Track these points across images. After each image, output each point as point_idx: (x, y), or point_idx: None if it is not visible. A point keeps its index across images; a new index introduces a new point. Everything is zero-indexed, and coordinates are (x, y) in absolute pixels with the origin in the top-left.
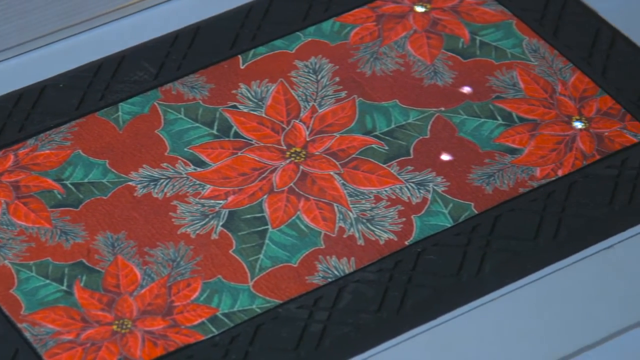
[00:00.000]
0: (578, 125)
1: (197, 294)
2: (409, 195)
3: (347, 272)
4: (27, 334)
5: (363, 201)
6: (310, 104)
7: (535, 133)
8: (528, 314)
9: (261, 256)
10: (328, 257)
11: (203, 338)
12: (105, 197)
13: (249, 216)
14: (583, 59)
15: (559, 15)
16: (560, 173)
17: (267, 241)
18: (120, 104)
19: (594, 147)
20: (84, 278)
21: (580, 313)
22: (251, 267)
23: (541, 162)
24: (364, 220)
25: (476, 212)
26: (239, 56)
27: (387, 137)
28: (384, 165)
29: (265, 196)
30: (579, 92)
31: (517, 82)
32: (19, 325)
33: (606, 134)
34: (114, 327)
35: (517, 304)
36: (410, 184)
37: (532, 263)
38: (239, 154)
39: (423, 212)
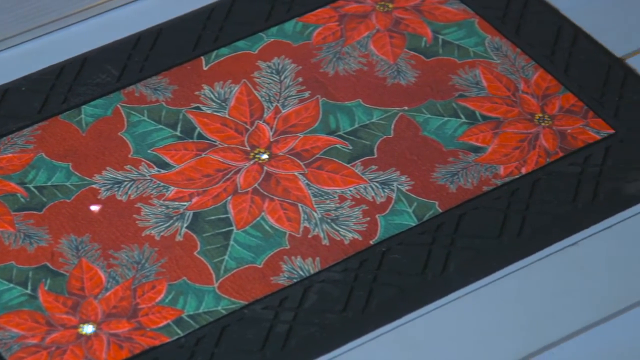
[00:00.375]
0: (541, 123)
1: (162, 296)
2: (373, 194)
3: (312, 272)
4: None
5: (327, 201)
6: (274, 104)
7: (498, 131)
8: (493, 312)
9: (226, 257)
10: (293, 257)
11: (168, 340)
12: (68, 200)
13: (213, 217)
14: (545, 56)
15: (521, 13)
16: (524, 171)
17: (231, 242)
18: (83, 106)
19: (557, 145)
20: (48, 281)
21: (545, 310)
22: (216, 269)
23: (505, 160)
24: (329, 220)
25: (440, 210)
26: (202, 57)
27: (351, 137)
28: (348, 165)
29: (229, 197)
30: (541, 90)
31: (480, 80)
32: None
33: (569, 131)
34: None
35: (481, 302)
36: (375, 183)
37: (496, 261)
38: (203, 155)
39: (387, 211)
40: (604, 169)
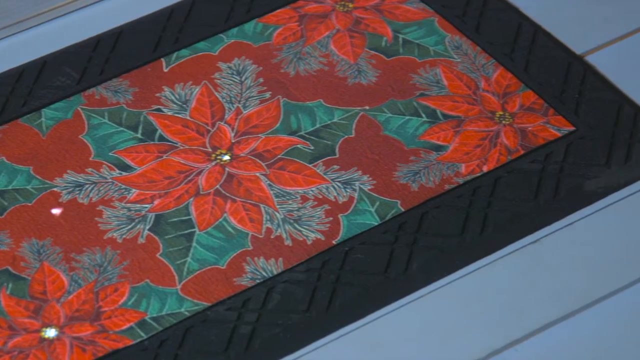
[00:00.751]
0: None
1: (124, 298)
2: (335, 194)
3: (275, 272)
4: None
5: (290, 201)
6: (235, 105)
7: (459, 129)
8: (456, 310)
9: (189, 259)
10: (256, 258)
11: (132, 343)
12: (29, 204)
13: (175, 219)
14: (505, 55)
15: (481, 11)
16: (485, 169)
17: (194, 244)
18: (44, 109)
19: (518, 142)
20: (10, 286)
21: (508, 307)
22: (179, 271)
23: (466, 159)
24: (291, 221)
25: (403, 209)
26: (162, 59)
27: (312, 137)
28: (310, 165)
29: (191, 199)
30: (502, 88)
31: (441, 79)
32: None
33: (530, 128)
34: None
35: (445, 300)
36: (337, 183)
37: (459, 259)
38: (164, 157)
39: (350, 211)
40: (564, 166)
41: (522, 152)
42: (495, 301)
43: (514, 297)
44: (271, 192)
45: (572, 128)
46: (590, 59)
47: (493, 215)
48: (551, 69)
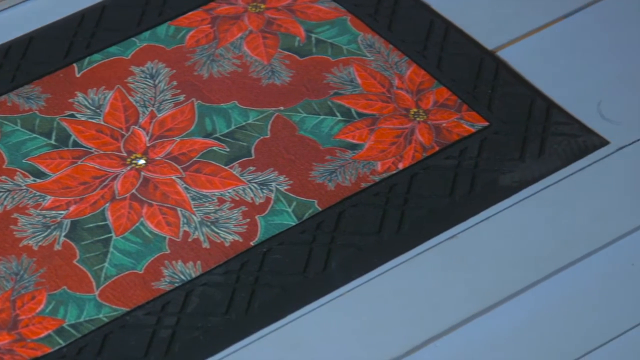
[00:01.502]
0: (417, 118)
1: (42, 306)
2: (252, 195)
3: (193, 276)
4: None
5: (207, 204)
6: (149, 109)
7: (374, 127)
8: (375, 308)
9: (106, 264)
10: (174, 261)
11: (50, 350)
12: None
13: (92, 225)
14: (418, 52)
15: (393, 9)
16: (401, 166)
17: (111, 249)
18: None
19: (433, 139)
20: None
21: (427, 303)
22: (96, 276)
23: (382, 156)
24: (209, 223)
25: (320, 209)
26: (74, 65)
27: (227, 139)
28: (226, 167)
29: (107, 204)
30: (415, 85)
31: (355, 77)
32: None
33: (444, 125)
34: None
35: (364, 298)
36: (253, 184)
37: (377, 257)
38: (79, 163)
39: (267, 211)
40: (479, 162)
41: (437, 148)
42: (413, 298)
43: (432, 293)
44: (188, 195)
45: (486, 123)
46: (502, 54)
47: (410, 212)
48: (463, 65)
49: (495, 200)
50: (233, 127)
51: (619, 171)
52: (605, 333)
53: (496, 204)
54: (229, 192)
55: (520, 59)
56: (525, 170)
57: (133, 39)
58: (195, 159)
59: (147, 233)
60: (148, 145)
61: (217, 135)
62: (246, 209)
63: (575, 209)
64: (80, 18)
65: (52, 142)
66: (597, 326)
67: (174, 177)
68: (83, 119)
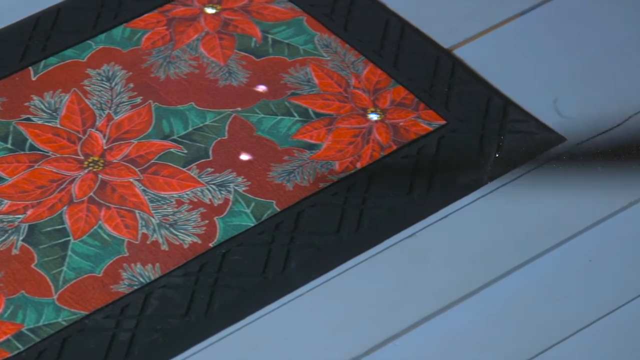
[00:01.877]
0: (373, 117)
1: (0, 311)
2: (210, 197)
3: (152, 278)
4: None
5: (165, 206)
6: (106, 112)
7: (332, 127)
8: (335, 308)
9: (64, 268)
10: (133, 264)
11: (9, 355)
12: None
13: (49, 229)
14: (374, 51)
15: (349, 9)
16: (359, 165)
17: (69, 253)
18: None
19: (390, 138)
20: None
21: (387, 302)
22: (55, 280)
23: (340, 156)
24: (167, 225)
25: (278, 209)
26: (30, 68)
27: (185, 141)
28: (184, 169)
29: (65, 207)
30: (372, 85)
31: (312, 78)
32: None
33: (401, 124)
34: None
35: (323, 298)
36: (211, 186)
37: (336, 257)
38: (36, 166)
39: (225, 213)
40: (437, 160)
41: (394, 147)
42: (373, 297)
43: (391, 292)
44: (146, 197)
45: (443, 122)
46: (458, 52)
47: (368, 211)
48: (420, 63)
49: (453, 198)
50: (190, 129)
51: (575, 168)
52: (562, 330)
53: (454, 202)
54: (187, 194)
55: (476, 57)
56: (483, 168)
57: (89, 41)
58: (152, 161)
59: (105, 236)
60: (105, 148)
61: (175, 137)
62: (204, 210)
63: (532, 206)
64: (36, 21)
65: (9, 146)
66: (555, 323)
67: (131, 180)
68: (39, 122)
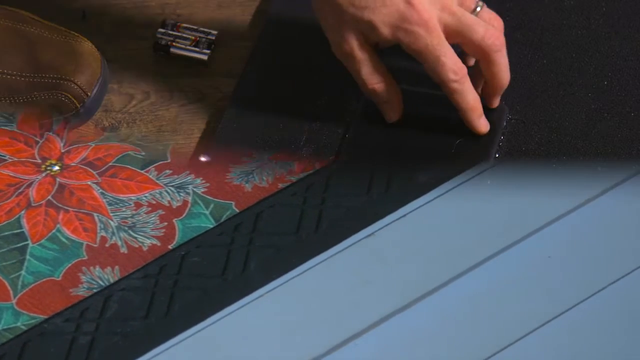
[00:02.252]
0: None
1: None
2: (169, 199)
3: (112, 281)
4: None
5: (123, 209)
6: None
7: None
8: (296, 308)
9: (23, 272)
10: (92, 267)
11: None
12: None
13: (7, 233)
14: None
15: None
16: (317, 166)
17: (28, 257)
18: None
19: None
20: None
21: (347, 302)
22: (13, 285)
23: (299, 157)
24: (126, 228)
25: (237, 210)
26: None
27: (142, 143)
28: (142, 171)
29: (23, 211)
30: None
31: None
32: None
33: None
34: None
35: (284, 298)
36: (170, 187)
37: (296, 257)
38: None
39: (184, 215)
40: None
41: None
42: (333, 296)
43: (351, 291)
44: (104, 200)
45: None
46: None
47: (327, 211)
48: None
49: (412, 197)
50: None
51: (533, 164)
52: (523, 327)
53: (413, 201)
54: (145, 197)
55: None
56: (442, 166)
57: None
58: (110, 163)
59: (64, 239)
60: (63, 151)
61: (132, 139)
62: (163, 212)
63: (491, 203)
64: None
65: None
66: (514, 320)
67: (89, 183)
68: None
